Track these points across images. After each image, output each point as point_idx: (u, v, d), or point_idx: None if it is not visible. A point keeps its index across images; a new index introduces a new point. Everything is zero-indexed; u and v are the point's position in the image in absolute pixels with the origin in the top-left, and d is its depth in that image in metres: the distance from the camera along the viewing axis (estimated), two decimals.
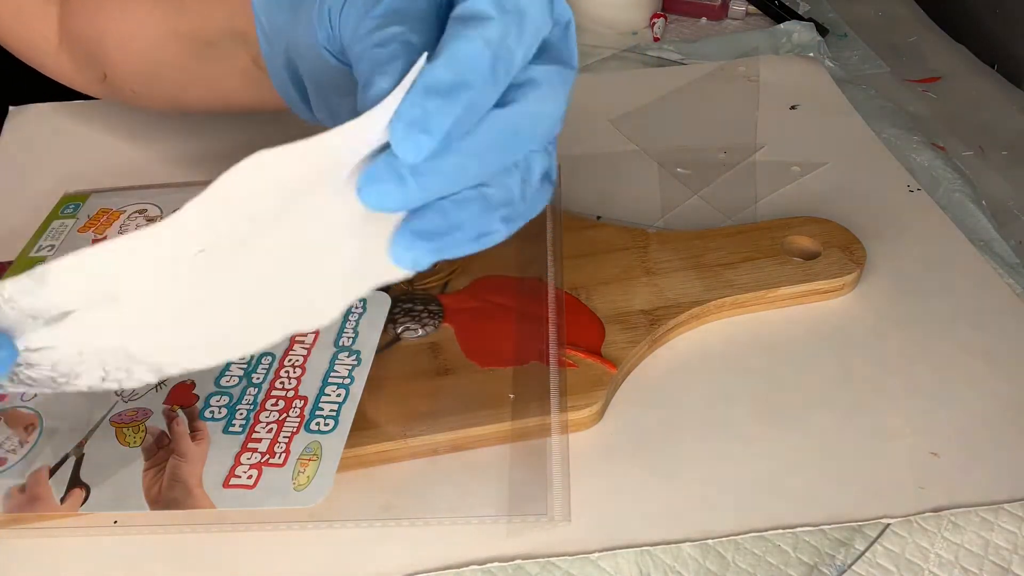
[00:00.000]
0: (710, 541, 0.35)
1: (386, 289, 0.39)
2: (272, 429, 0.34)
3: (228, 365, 0.36)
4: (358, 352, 0.37)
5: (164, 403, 0.36)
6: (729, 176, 0.55)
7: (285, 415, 0.35)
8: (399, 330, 0.43)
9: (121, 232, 0.43)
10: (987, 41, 0.76)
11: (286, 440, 0.34)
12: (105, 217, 0.45)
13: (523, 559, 0.35)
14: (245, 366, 0.37)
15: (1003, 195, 0.58)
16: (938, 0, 0.82)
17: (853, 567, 0.35)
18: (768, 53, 0.71)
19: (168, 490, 0.33)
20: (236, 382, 0.36)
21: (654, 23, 0.76)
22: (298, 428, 0.35)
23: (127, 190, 0.49)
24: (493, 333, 0.42)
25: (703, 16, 0.78)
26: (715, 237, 0.48)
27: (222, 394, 0.36)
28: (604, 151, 0.58)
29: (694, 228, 0.49)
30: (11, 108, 0.61)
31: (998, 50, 0.75)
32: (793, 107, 0.62)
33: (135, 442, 0.34)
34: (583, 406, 0.39)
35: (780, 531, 0.36)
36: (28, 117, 0.61)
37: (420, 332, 0.43)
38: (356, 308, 0.39)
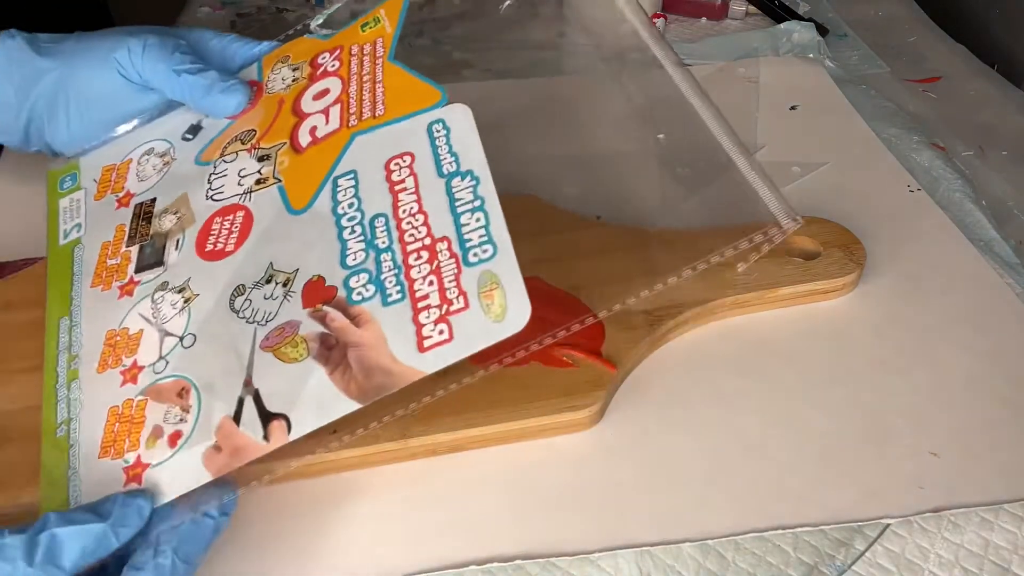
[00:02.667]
0: (710, 541, 0.35)
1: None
2: (432, 281, 0.32)
3: (344, 243, 0.34)
4: (470, 171, 0.34)
5: (304, 308, 0.34)
6: (730, 176, 0.55)
7: (436, 261, 0.32)
8: None
9: (140, 179, 0.42)
10: (987, 41, 0.76)
11: (453, 284, 0.32)
12: (113, 174, 0.43)
13: (523, 559, 0.35)
14: (363, 238, 0.34)
15: (1003, 195, 0.58)
16: (938, 0, 0.82)
17: (853, 567, 0.35)
18: (768, 53, 0.71)
19: (367, 380, 0.31)
20: (364, 257, 0.34)
21: (654, 23, 0.76)
22: (458, 267, 0.32)
23: (114, 140, 0.46)
24: None
25: (703, 16, 0.78)
26: (715, 237, 0.47)
27: (357, 273, 0.33)
28: (605, 151, 0.58)
29: (695, 228, 0.49)
30: None
31: (998, 50, 0.75)
32: (793, 107, 0.62)
33: (301, 355, 0.32)
34: (583, 406, 0.39)
35: (780, 531, 0.36)
36: None
37: None
38: (439, 130, 0.36)
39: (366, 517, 0.37)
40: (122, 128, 0.45)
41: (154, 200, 0.41)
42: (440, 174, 0.35)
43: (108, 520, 0.30)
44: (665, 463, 0.38)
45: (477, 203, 0.34)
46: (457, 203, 0.34)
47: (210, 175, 0.40)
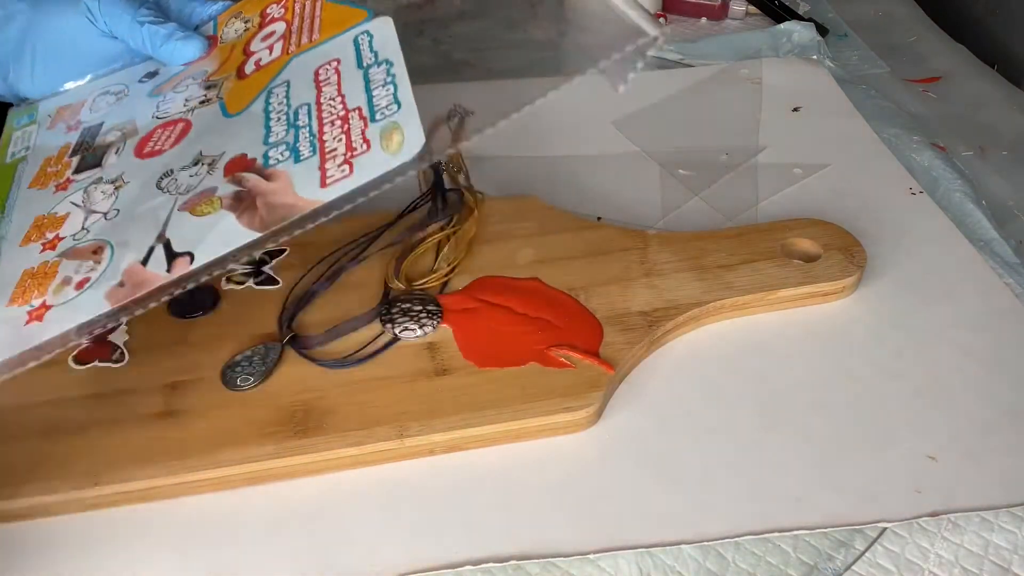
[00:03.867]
0: (708, 542, 0.35)
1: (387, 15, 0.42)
2: (341, 138, 0.35)
3: (269, 128, 0.38)
4: (386, 59, 0.38)
5: (224, 177, 0.36)
6: (730, 178, 0.55)
7: (347, 125, 0.36)
8: (398, 330, 0.43)
9: (92, 112, 0.45)
10: (987, 41, 0.76)
11: (359, 136, 0.35)
12: (68, 111, 0.46)
13: (520, 559, 0.35)
14: (286, 121, 0.38)
15: (1003, 195, 0.58)
16: (938, 0, 0.82)
17: (853, 567, 0.35)
18: (768, 53, 0.71)
19: (270, 215, 0.34)
20: (284, 134, 0.37)
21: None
22: (365, 125, 0.36)
23: (75, 90, 0.48)
24: (491, 334, 0.42)
25: (703, 16, 0.78)
26: (715, 239, 0.48)
27: (276, 146, 0.37)
28: (605, 152, 0.58)
29: (695, 230, 0.49)
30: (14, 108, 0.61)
31: (998, 50, 0.75)
32: (795, 109, 0.62)
33: (215, 208, 0.35)
34: (581, 407, 0.39)
35: (778, 533, 0.35)
36: None
37: (419, 332, 0.43)
38: (363, 38, 0.40)
39: (364, 517, 0.37)
40: (86, 80, 0.48)
41: (102, 124, 0.44)
42: (360, 66, 0.39)
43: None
44: (662, 464, 0.38)
45: (389, 79, 0.37)
46: (372, 83, 0.37)
47: (159, 102, 0.43)
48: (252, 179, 0.35)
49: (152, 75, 0.46)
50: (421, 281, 0.45)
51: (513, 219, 0.50)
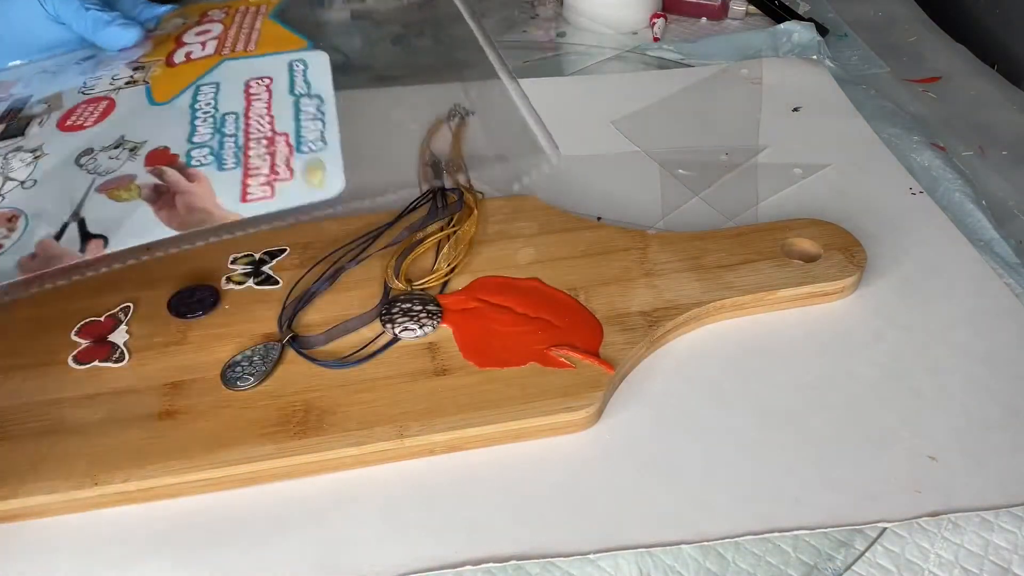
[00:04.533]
0: (708, 542, 0.35)
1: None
2: (266, 159, 0.36)
3: (194, 127, 0.39)
4: (318, 95, 0.40)
5: (145, 166, 0.37)
6: (731, 178, 0.55)
7: (273, 148, 0.37)
8: (397, 330, 0.43)
9: (25, 86, 0.45)
10: (987, 41, 0.76)
11: (284, 162, 0.36)
12: (1, 86, 0.46)
13: (520, 559, 0.35)
14: (212, 125, 0.39)
15: (1003, 195, 0.58)
16: (938, 0, 0.82)
17: (853, 567, 0.35)
18: (768, 53, 0.71)
19: (188, 216, 0.34)
20: (209, 138, 0.38)
21: (654, 23, 0.76)
22: (291, 152, 0.37)
23: (14, 70, 0.49)
24: (491, 334, 0.42)
25: (703, 16, 0.78)
26: (715, 239, 0.48)
27: (201, 147, 0.37)
28: (605, 152, 0.58)
29: (695, 230, 0.49)
30: None
31: (998, 50, 0.75)
32: (796, 109, 0.62)
33: (132, 197, 0.36)
34: (581, 407, 0.39)
35: (778, 533, 0.35)
36: None
37: (418, 332, 0.43)
38: (298, 66, 0.41)
39: (363, 517, 0.37)
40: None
41: (31, 96, 0.44)
42: (292, 93, 0.40)
43: None
44: (663, 464, 0.38)
45: (319, 116, 0.38)
46: (302, 114, 0.38)
47: (86, 78, 0.44)
48: (173, 175, 0.36)
49: (88, 59, 0.47)
50: (421, 281, 0.45)
51: (513, 219, 0.50)
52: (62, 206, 0.36)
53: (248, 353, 0.42)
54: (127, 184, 0.36)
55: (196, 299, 0.45)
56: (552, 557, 0.35)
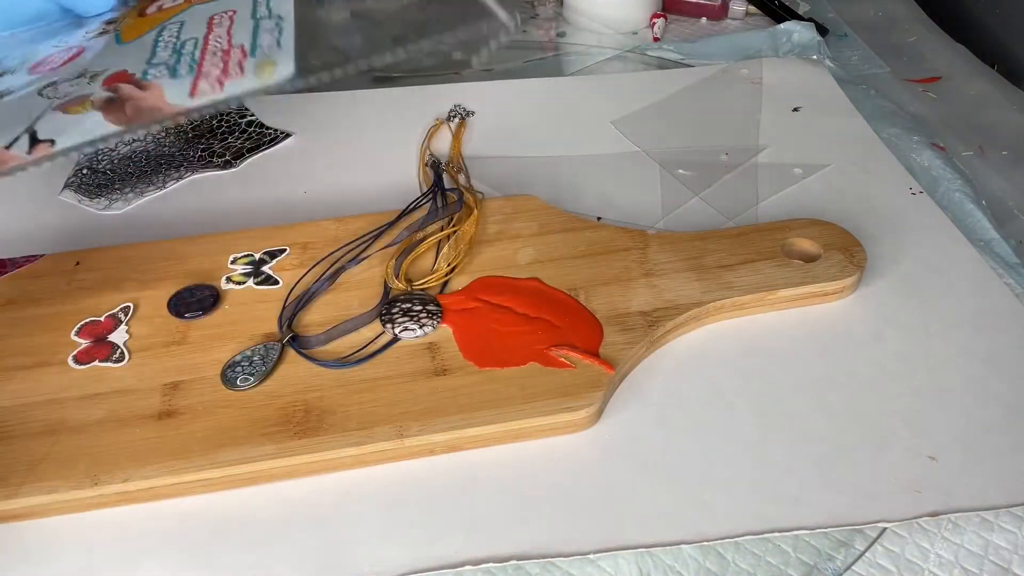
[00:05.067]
0: (708, 542, 0.35)
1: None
2: (219, 64, 0.38)
3: (155, 52, 0.40)
4: (278, 15, 0.41)
5: (102, 86, 0.38)
6: (731, 178, 0.55)
7: (228, 57, 0.38)
8: (397, 330, 0.43)
9: (2, 50, 0.46)
10: (987, 41, 0.76)
11: (236, 65, 0.38)
12: None
13: (520, 559, 0.35)
14: (172, 48, 0.40)
15: (1003, 195, 0.58)
16: (938, 0, 0.82)
17: (853, 567, 0.35)
18: (768, 53, 0.71)
19: (136, 116, 0.36)
20: (168, 58, 0.39)
21: (654, 23, 0.76)
22: (244, 56, 0.38)
23: None
24: (491, 334, 0.42)
25: (703, 16, 0.78)
26: (715, 239, 0.48)
27: (158, 66, 0.39)
28: (605, 152, 0.58)
29: (695, 230, 0.49)
30: None
31: (998, 50, 0.75)
32: (796, 109, 0.62)
33: (86, 109, 0.37)
34: (580, 407, 0.39)
35: (778, 533, 0.35)
36: None
37: (419, 332, 0.43)
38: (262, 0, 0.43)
39: (363, 517, 0.37)
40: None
41: (4, 57, 0.45)
42: (252, 17, 0.41)
43: None
44: (662, 464, 0.38)
45: (277, 30, 0.40)
46: (260, 30, 0.40)
47: (61, 37, 0.46)
48: (127, 87, 0.38)
49: (67, 27, 0.48)
50: (421, 281, 0.45)
51: (513, 219, 0.50)
52: (18, 124, 0.37)
53: (248, 353, 0.42)
54: (82, 100, 0.38)
55: (196, 299, 0.45)
56: (552, 557, 0.35)
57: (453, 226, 0.48)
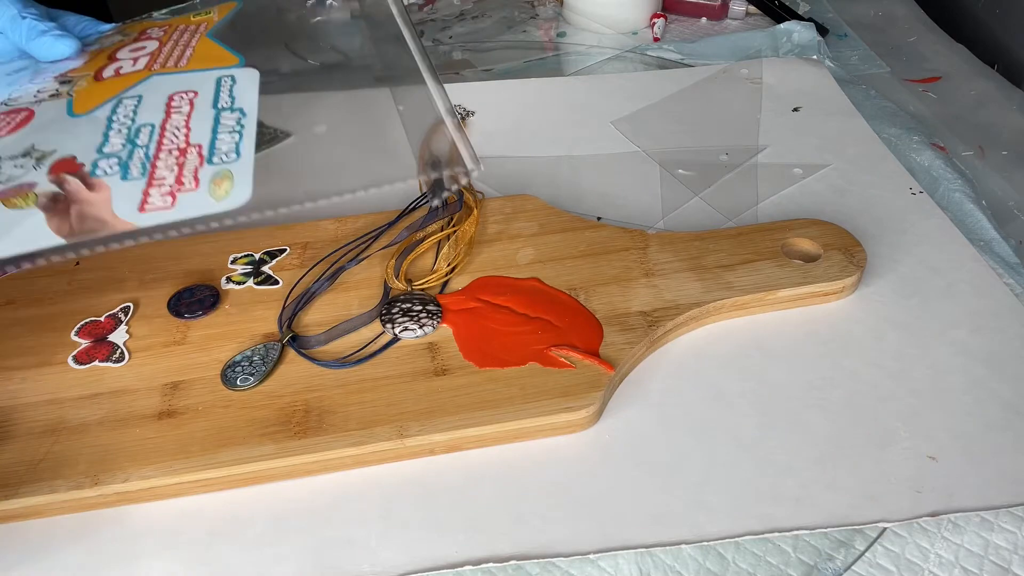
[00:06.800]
0: (709, 542, 0.35)
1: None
2: (174, 169, 0.36)
3: (107, 137, 0.38)
4: (240, 108, 0.39)
5: (48, 175, 0.36)
6: (730, 178, 0.55)
7: (184, 158, 0.36)
8: (397, 330, 0.43)
9: None
10: (987, 41, 0.76)
11: (192, 172, 0.35)
12: None
13: (520, 559, 0.35)
14: (126, 135, 0.38)
15: (1003, 195, 0.58)
16: (938, 0, 0.82)
17: (853, 567, 0.35)
18: (768, 53, 0.71)
19: (80, 225, 0.34)
20: (120, 148, 0.37)
21: (654, 23, 0.76)
22: (200, 163, 0.36)
23: None
24: (491, 333, 0.42)
25: (703, 16, 0.78)
26: (715, 239, 0.48)
27: (109, 157, 0.37)
28: (605, 152, 0.58)
29: (695, 230, 0.49)
30: None
31: (998, 50, 0.75)
32: (796, 109, 0.62)
33: (28, 204, 0.35)
34: (580, 407, 0.39)
35: (778, 533, 0.35)
36: None
37: (418, 332, 0.43)
38: (226, 81, 0.41)
39: (363, 517, 0.37)
40: None
41: None
42: (214, 106, 0.39)
43: None
44: (662, 464, 0.38)
45: (238, 128, 0.38)
46: (220, 127, 0.38)
47: (12, 91, 0.43)
48: (73, 184, 0.35)
49: (22, 71, 0.46)
50: (421, 281, 0.45)
51: (513, 219, 0.50)
52: None
53: (248, 353, 0.42)
54: (24, 192, 0.35)
55: (196, 299, 0.45)
56: (552, 557, 0.35)
57: (453, 226, 0.48)
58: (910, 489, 0.37)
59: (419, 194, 0.51)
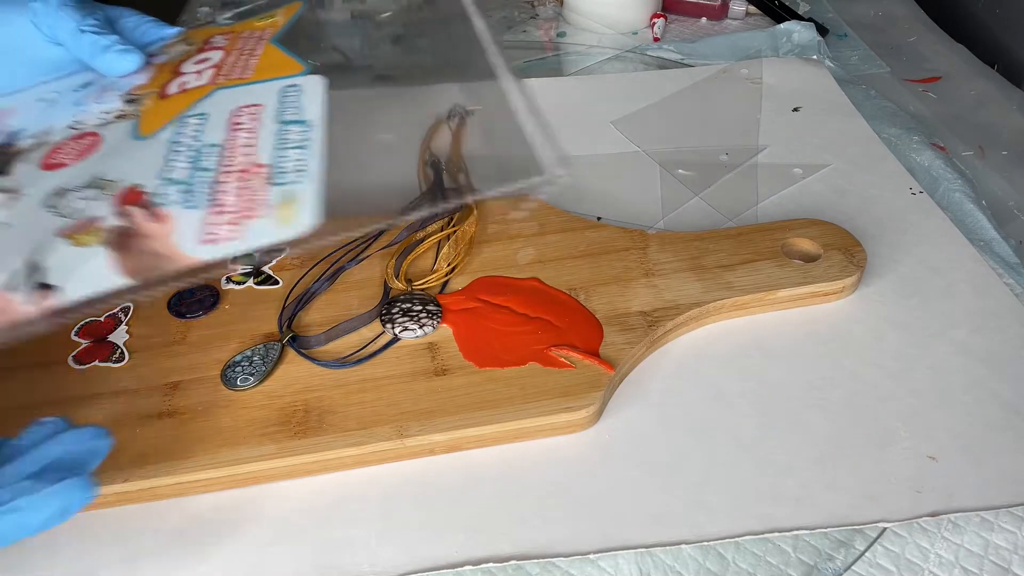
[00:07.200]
0: (709, 542, 0.35)
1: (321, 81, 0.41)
2: (238, 193, 0.35)
3: (171, 160, 0.37)
4: (305, 120, 0.38)
5: (113, 208, 0.35)
6: (731, 178, 0.55)
7: (248, 180, 0.35)
8: (397, 330, 0.43)
9: (20, 117, 0.44)
10: (987, 41, 0.76)
11: (255, 198, 0.34)
12: None
13: (520, 559, 0.35)
14: (190, 159, 0.37)
15: (1003, 195, 0.58)
16: (938, 0, 0.82)
17: (853, 567, 0.35)
18: (768, 53, 0.71)
19: (142, 262, 0.33)
20: (184, 172, 0.36)
21: (654, 23, 0.76)
22: (265, 185, 0.35)
23: (11, 97, 0.47)
24: (491, 334, 0.42)
25: (703, 16, 0.78)
26: (715, 239, 0.48)
27: (173, 184, 0.36)
28: (605, 152, 0.58)
29: (695, 230, 0.49)
30: None
31: (998, 50, 0.75)
32: (796, 109, 0.62)
33: (94, 241, 0.34)
34: (581, 407, 0.39)
35: (778, 533, 0.35)
36: None
37: (419, 332, 0.43)
38: (292, 91, 0.40)
39: (363, 516, 0.37)
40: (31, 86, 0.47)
41: (23, 130, 0.42)
42: (279, 120, 0.38)
43: None
44: (662, 464, 0.38)
45: (304, 144, 0.36)
46: (285, 141, 0.37)
47: (78, 111, 0.42)
48: (138, 216, 0.35)
49: (88, 85, 0.45)
50: (421, 281, 0.45)
51: (513, 219, 0.50)
52: (20, 249, 0.34)
53: (248, 353, 0.42)
54: (89, 227, 0.35)
55: (196, 299, 0.45)
56: (552, 557, 0.35)
57: (453, 226, 0.48)
58: (910, 489, 0.37)
59: (419, 194, 0.51)
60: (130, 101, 0.42)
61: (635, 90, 0.64)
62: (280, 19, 0.45)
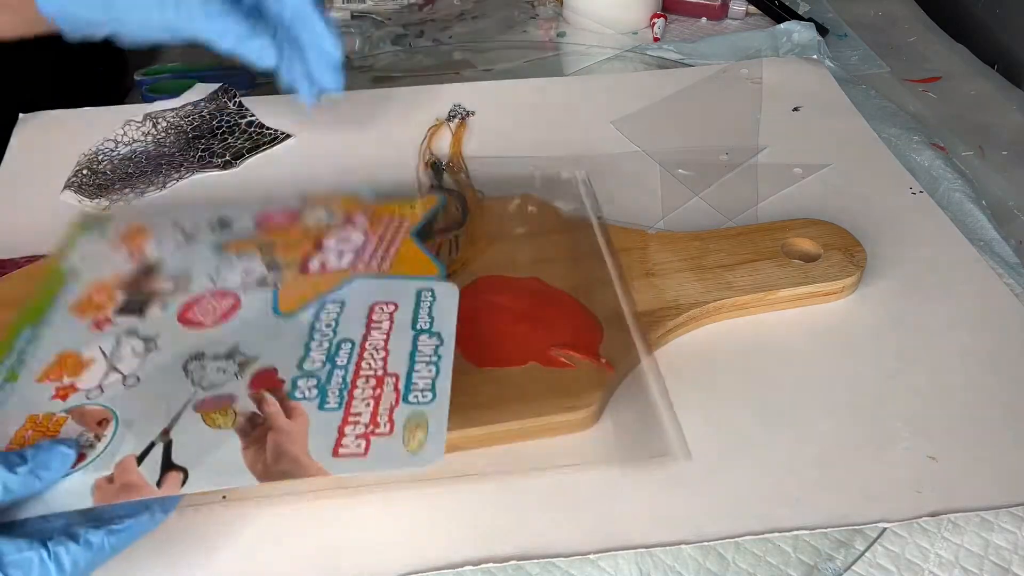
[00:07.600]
0: (708, 542, 0.35)
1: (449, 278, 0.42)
2: (370, 403, 0.35)
3: (308, 351, 0.38)
4: (438, 333, 0.38)
5: (248, 388, 0.36)
6: (730, 178, 0.55)
7: (380, 391, 0.36)
8: None
9: (158, 245, 0.44)
10: (987, 41, 0.76)
11: (387, 412, 0.35)
12: (137, 239, 0.45)
13: (520, 559, 0.35)
14: (326, 351, 0.38)
15: (1003, 195, 0.58)
16: (938, 0, 0.82)
17: (853, 567, 0.35)
18: (768, 53, 0.71)
19: (275, 463, 0.33)
20: (320, 366, 0.37)
21: (654, 23, 0.76)
22: (396, 401, 0.35)
23: (153, 194, 0.50)
24: (491, 333, 0.42)
25: (703, 16, 0.78)
26: (715, 239, 0.48)
27: (309, 376, 0.36)
28: (605, 152, 0.58)
29: (695, 230, 0.49)
30: (21, 115, 0.61)
31: (998, 50, 0.75)
32: (796, 109, 0.62)
33: (227, 424, 0.34)
34: (581, 407, 0.39)
35: (778, 533, 0.35)
36: (38, 123, 0.61)
37: None
38: (426, 296, 0.41)
39: (363, 517, 0.37)
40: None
41: (160, 264, 0.43)
42: (413, 327, 0.39)
43: (30, 463, 0.31)
44: (662, 465, 0.38)
45: (435, 359, 0.37)
46: (418, 353, 0.37)
47: (219, 264, 0.43)
48: (272, 407, 0.35)
49: (224, 224, 0.46)
50: None
51: (513, 219, 0.50)
52: (155, 418, 0.35)
53: None
54: (225, 407, 0.35)
55: None
56: (552, 557, 0.35)
57: (453, 227, 0.48)
58: (910, 489, 0.37)
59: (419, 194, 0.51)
60: (271, 266, 0.43)
61: (635, 90, 0.64)
62: (419, 211, 0.47)
